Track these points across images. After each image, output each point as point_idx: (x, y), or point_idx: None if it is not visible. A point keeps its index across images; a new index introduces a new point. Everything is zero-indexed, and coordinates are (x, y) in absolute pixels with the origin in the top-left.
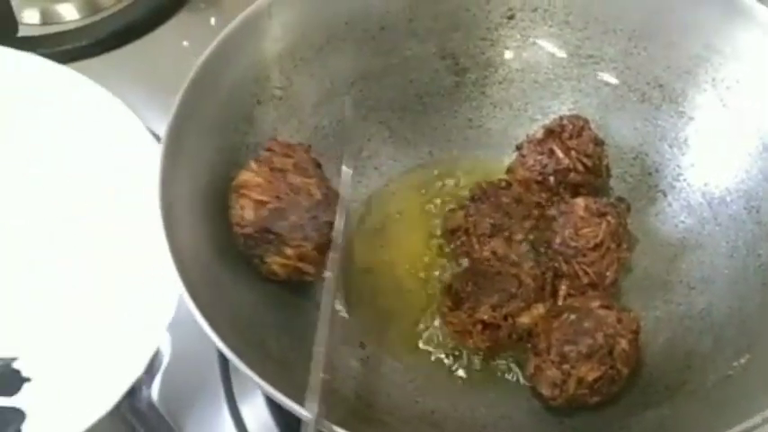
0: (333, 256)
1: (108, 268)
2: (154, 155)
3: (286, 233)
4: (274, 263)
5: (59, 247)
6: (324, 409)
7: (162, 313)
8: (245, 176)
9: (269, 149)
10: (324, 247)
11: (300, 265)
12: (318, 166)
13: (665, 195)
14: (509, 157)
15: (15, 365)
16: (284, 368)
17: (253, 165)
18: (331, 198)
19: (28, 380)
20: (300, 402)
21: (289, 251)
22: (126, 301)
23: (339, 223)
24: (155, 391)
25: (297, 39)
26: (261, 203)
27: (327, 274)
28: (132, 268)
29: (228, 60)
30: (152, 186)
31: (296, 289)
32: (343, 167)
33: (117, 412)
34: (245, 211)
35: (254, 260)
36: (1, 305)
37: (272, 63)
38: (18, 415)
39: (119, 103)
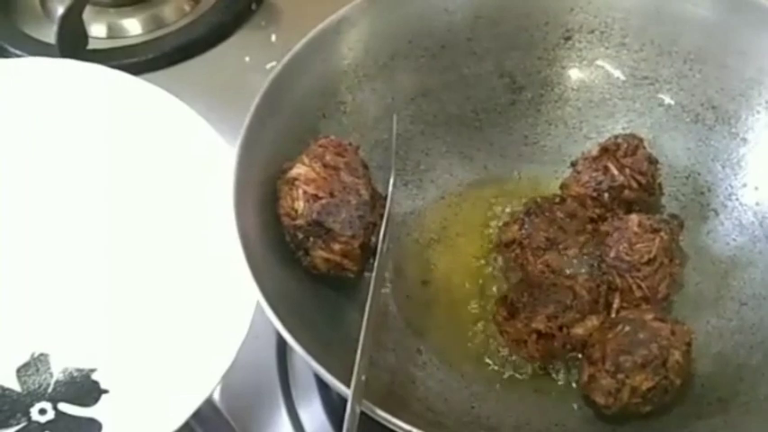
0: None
1: (185, 281)
2: (226, 164)
3: (337, 229)
4: (318, 257)
5: (138, 261)
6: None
7: (237, 326)
8: (300, 170)
9: (321, 146)
10: (366, 247)
11: (344, 261)
12: (366, 167)
13: (716, 214)
14: (563, 174)
15: (94, 377)
16: (337, 355)
17: (305, 159)
18: (376, 200)
19: (106, 391)
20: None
21: (336, 247)
22: (202, 313)
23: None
24: (216, 393)
25: (362, 56)
26: (315, 197)
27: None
28: (209, 281)
29: (297, 76)
30: (227, 195)
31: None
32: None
33: None
34: (299, 204)
35: (297, 252)
36: (82, 318)
37: (337, 79)
38: (95, 426)
39: (195, 115)
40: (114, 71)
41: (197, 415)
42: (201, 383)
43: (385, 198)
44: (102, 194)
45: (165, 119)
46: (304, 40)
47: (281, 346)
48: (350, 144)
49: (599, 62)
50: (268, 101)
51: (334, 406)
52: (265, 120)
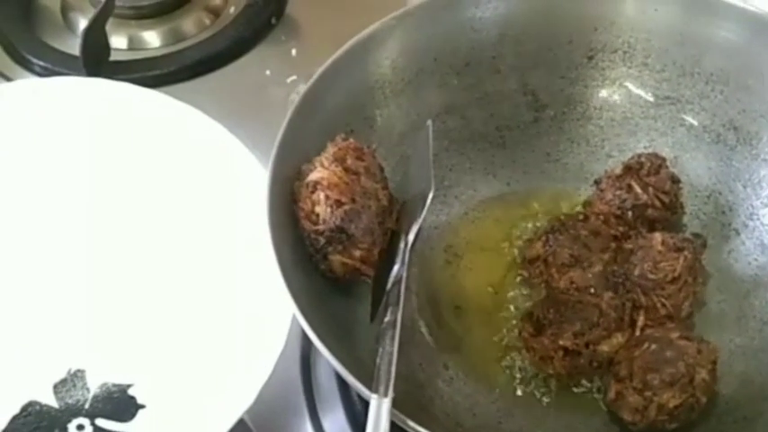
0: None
1: (220, 298)
2: (256, 178)
3: (358, 235)
4: (337, 261)
5: (173, 277)
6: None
7: (274, 339)
8: (322, 173)
9: (340, 149)
10: (383, 253)
11: (362, 267)
12: (382, 170)
13: (738, 233)
14: (585, 191)
15: (131, 392)
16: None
17: (324, 161)
18: (393, 205)
19: (143, 406)
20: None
21: (356, 253)
22: (238, 328)
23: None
24: None
25: (389, 72)
26: (338, 203)
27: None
28: (244, 295)
29: (327, 91)
30: (261, 211)
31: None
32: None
33: None
34: (321, 209)
35: (315, 256)
36: (119, 334)
37: (365, 95)
38: None
39: (225, 132)
40: (144, 89)
41: None
42: (239, 398)
43: (401, 204)
44: (137, 211)
45: (194, 135)
46: (333, 57)
47: (306, 358)
48: (368, 147)
49: (621, 81)
50: (300, 116)
51: (358, 418)
52: (296, 134)
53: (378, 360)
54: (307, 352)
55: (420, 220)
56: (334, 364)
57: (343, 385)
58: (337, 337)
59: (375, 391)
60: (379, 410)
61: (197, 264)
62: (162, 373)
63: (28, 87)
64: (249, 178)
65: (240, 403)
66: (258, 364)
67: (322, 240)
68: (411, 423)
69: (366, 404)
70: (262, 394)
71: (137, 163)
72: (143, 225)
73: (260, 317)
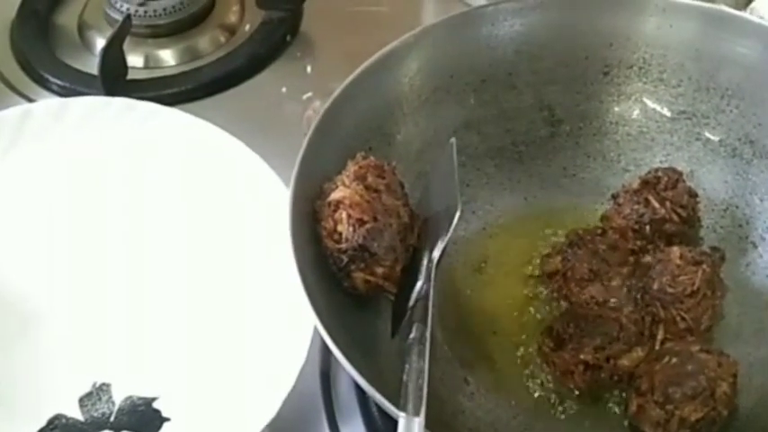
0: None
1: (243, 311)
2: (278, 195)
3: (381, 253)
4: (359, 278)
5: (196, 292)
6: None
7: (295, 356)
8: (344, 193)
9: (361, 167)
10: (405, 270)
11: (385, 284)
12: (403, 186)
13: (755, 246)
14: (601, 206)
15: (156, 405)
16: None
17: (345, 180)
18: (414, 221)
19: (167, 419)
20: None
21: (379, 270)
22: (261, 342)
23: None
24: None
25: (407, 90)
26: (360, 222)
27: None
28: (267, 311)
29: (345, 110)
30: (282, 223)
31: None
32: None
33: None
34: (344, 228)
35: (338, 273)
36: (144, 348)
37: (383, 112)
38: None
39: (247, 149)
40: (168, 109)
41: None
42: (261, 411)
43: (423, 221)
44: (161, 227)
45: (220, 154)
46: (353, 76)
47: (326, 371)
48: (388, 164)
49: (637, 97)
50: (319, 134)
51: (378, 430)
52: (316, 152)
53: (404, 377)
54: (327, 365)
55: (447, 238)
56: (363, 383)
57: (362, 399)
58: (360, 353)
59: (403, 409)
60: (410, 429)
61: (220, 280)
62: (186, 386)
63: (53, 107)
64: (270, 194)
65: (263, 416)
66: (280, 378)
67: (345, 259)
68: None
69: (386, 417)
70: (282, 408)
71: (162, 182)
72: (166, 241)
73: (282, 331)
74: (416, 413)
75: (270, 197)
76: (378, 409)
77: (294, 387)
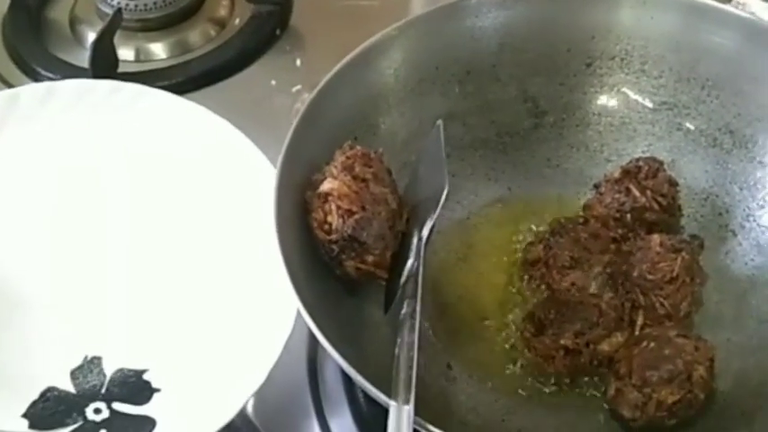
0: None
1: (230, 287)
2: (267, 173)
3: (371, 242)
4: (351, 266)
5: (185, 269)
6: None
7: (281, 326)
8: (332, 184)
9: (348, 157)
10: (396, 255)
11: (376, 271)
12: (390, 173)
13: (734, 235)
14: (584, 195)
15: (146, 377)
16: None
17: (334, 171)
18: (402, 207)
19: (158, 390)
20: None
21: (369, 258)
22: (247, 316)
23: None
24: (249, 406)
25: (391, 81)
26: (349, 213)
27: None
28: (253, 285)
29: (331, 101)
30: (268, 208)
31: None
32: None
33: None
34: (333, 219)
35: (330, 262)
36: (134, 323)
37: (368, 103)
38: (149, 423)
39: (235, 130)
40: (154, 90)
41: (229, 426)
42: (249, 380)
43: (411, 207)
44: (153, 205)
45: (207, 135)
46: (338, 67)
47: (312, 359)
48: (375, 152)
49: (619, 88)
50: (305, 124)
51: (364, 419)
52: (302, 143)
53: (396, 350)
54: (313, 352)
55: (435, 216)
56: (351, 372)
57: (349, 386)
58: (347, 341)
59: (394, 398)
60: (400, 418)
61: (209, 255)
62: (175, 358)
63: (40, 90)
64: (259, 173)
65: (249, 386)
66: (267, 348)
67: (336, 249)
68: (431, 428)
69: (373, 405)
70: (270, 397)
71: (151, 162)
72: (156, 218)
73: (268, 302)
74: (406, 401)
75: (258, 176)
76: (364, 397)
77: (280, 373)
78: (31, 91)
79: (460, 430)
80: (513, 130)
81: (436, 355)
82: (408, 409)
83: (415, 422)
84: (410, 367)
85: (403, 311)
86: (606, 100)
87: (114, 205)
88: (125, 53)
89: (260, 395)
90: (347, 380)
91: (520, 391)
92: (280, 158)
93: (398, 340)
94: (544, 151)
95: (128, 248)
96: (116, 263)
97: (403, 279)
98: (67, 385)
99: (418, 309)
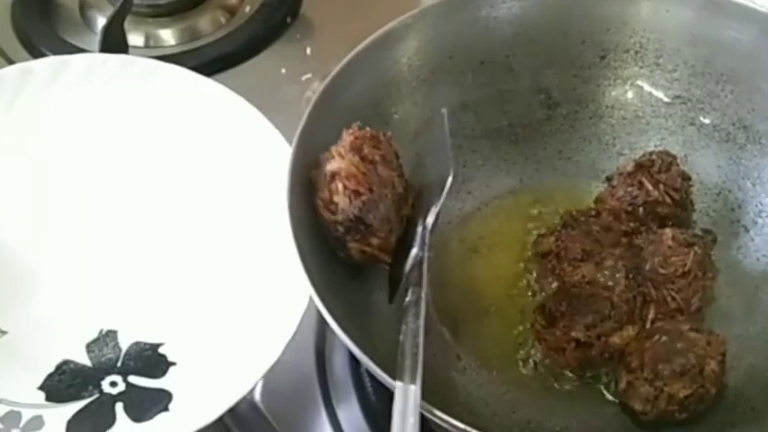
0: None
1: (246, 264)
2: (280, 150)
3: (377, 224)
4: (355, 249)
5: (202, 244)
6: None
7: (296, 303)
8: (340, 164)
9: (357, 138)
10: (401, 240)
11: (380, 254)
12: (398, 157)
13: (746, 230)
14: (596, 188)
15: (161, 350)
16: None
17: (341, 150)
18: (409, 191)
19: (173, 364)
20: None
21: (374, 241)
22: (263, 290)
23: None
24: (257, 393)
25: (405, 70)
26: (356, 194)
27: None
28: (268, 262)
29: (343, 88)
30: (281, 191)
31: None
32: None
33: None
34: (340, 199)
35: (334, 243)
36: (150, 297)
37: (381, 92)
38: (165, 395)
39: (256, 111)
40: (168, 65)
41: (238, 415)
42: (263, 356)
43: (417, 191)
44: (166, 180)
45: (223, 110)
46: (351, 54)
47: (320, 346)
48: (384, 135)
49: (633, 81)
50: (317, 112)
51: (372, 407)
52: (314, 130)
53: (401, 337)
54: (321, 341)
55: (440, 204)
56: (357, 353)
57: (357, 375)
58: (355, 325)
59: (399, 378)
60: (406, 398)
61: (224, 230)
62: (191, 332)
63: (53, 64)
64: (272, 148)
65: (265, 360)
66: (282, 322)
67: (341, 229)
68: (438, 413)
69: (380, 394)
70: (277, 384)
71: (164, 136)
72: (170, 193)
73: (284, 277)
74: (412, 381)
75: (272, 151)
76: (372, 386)
77: (289, 363)
78: (43, 64)
79: (470, 421)
80: (525, 122)
81: (446, 346)
82: (414, 389)
83: (423, 407)
84: (416, 353)
85: (407, 299)
86: (620, 93)
87: (130, 180)
88: (135, 39)
89: (268, 384)
90: (355, 369)
91: (530, 383)
92: (293, 145)
93: (403, 327)
94: (556, 143)
95: (143, 223)
96: (132, 237)
97: (407, 267)
98: (83, 358)
99: (423, 296)
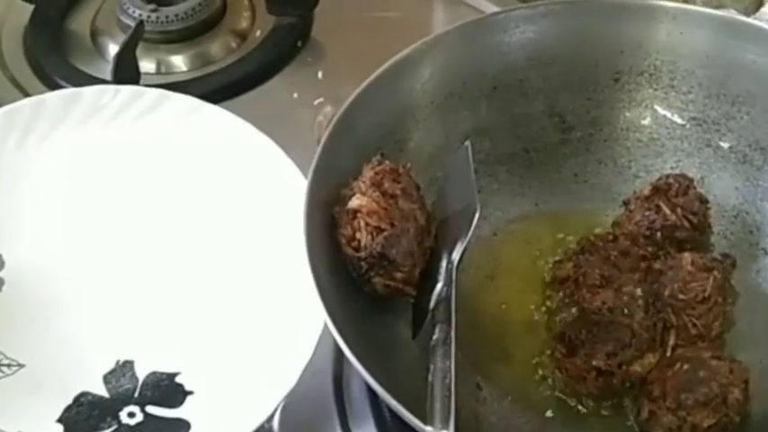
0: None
1: (261, 290)
2: (296, 181)
3: (399, 259)
4: (379, 283)
5: (217, 273)
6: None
7: (312, 328)
8: (361, 201)
9: (377, 173)
10: (424, 273)
11: (405, 288)
12: (419, 188)
13: (766, 253)
14: (612, 212)
15: (178, 380)
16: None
17: (362, 186)
18: (431, 223)
19: (191, 393)
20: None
21: (398, 275)
22: (278, 318)
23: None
24: (275, 423)
25: (419, 96)
26: (378, 230)
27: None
28: (285, 288)
29: (359, 116)
30: (298, 220)
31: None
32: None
33: None
34: (362, 236)
35: (358, 279)
36: (166, 326)
37: (396, 118)
38: (184, 425)
39: (270, 142)
40: (184, 96)
41: None
42: (282, 381)
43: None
44: (180, 211)
45: (234, 139)
46: (366, 82)
47: (338, 376)
48: (403, 167)
49: (648, 103)
50: (333, 140)
51: None
52: (330, 158)
53: (429, 377)
54: (339, 369)
55: (466, 240)
56: (384, 395)
57: (375, 403)
58: (377, 360)
59: (431, 422)
60: None
61: (239, 260)
62: (207, 361)
63: (66, 96)
64: (289, 181)
65: (283, 386)
66: (298, 350)
67: (364, 266)
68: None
69: (398, 421)
70: (295, 413)
71: (182, 166)
72: (188, 226)
73: (299, 304)
74: (444, 426)
75: (287, 181)
76: (390, 414)
77: (306, 388)
78: (56, 97)
79: None
80: (540, 146)
81: (466, 376)
82: None
83: None
84: (447, 395)
85: (435, 337)
86: (634, 115)
87: (144, 211)
88: (146, 65)
89: (286, 411)
90: (373, 397)
91: (550, 412)
92: (309, 177)
93: (431, 367)
94: (571, 167)
95: (158, 253)
96: (147, 267)
97: (432, 303)
98: (101, 390)
99: (452, 335)
